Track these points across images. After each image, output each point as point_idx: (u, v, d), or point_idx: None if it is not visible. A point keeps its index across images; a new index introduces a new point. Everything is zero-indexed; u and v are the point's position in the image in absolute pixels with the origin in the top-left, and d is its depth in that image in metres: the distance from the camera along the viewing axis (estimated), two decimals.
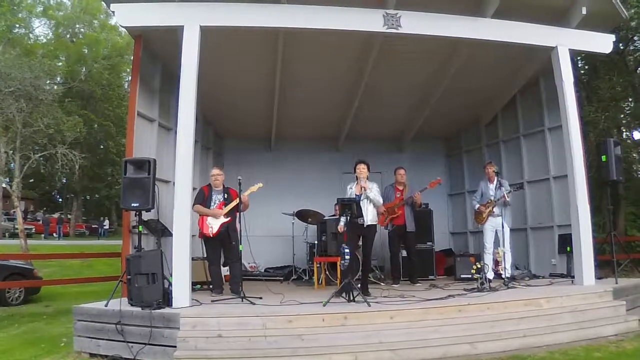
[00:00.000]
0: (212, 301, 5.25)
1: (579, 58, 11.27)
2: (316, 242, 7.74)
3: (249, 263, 8.49)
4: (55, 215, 28.91)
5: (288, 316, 4.43)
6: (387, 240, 7.49)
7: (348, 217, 5.39)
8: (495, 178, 6.73)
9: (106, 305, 4.78)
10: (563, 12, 6.41)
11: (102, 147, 29.00)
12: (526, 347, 4.38)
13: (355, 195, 5.81)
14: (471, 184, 9.50)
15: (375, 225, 5.89)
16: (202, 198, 6.07)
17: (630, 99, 12.79)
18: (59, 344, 5.15)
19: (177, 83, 5.37)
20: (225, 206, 5.99)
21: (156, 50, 6.53)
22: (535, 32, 6.12)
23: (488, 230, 6.86)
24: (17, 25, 24.43)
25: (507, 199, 6.53)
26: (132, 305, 4.72)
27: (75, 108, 23.55)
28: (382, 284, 7.11)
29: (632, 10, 10.13)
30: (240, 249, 5.55)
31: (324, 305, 4.74)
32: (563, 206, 7.06)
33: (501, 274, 6.33)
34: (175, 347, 4.17)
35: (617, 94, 11.79)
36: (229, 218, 5.96)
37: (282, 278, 8.18)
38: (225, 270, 6.25)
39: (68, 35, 29.06)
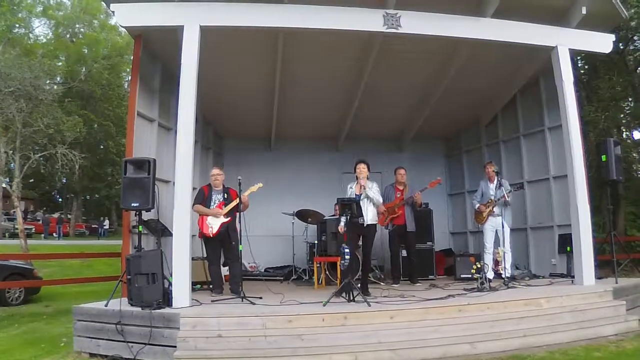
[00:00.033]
0: (212, 301, 5.25)
1: (578, 58, 11.27)
2: (316, 242, 7.74)
3: (249, 263, 8.49)
4: (55, 215, 28.91)
5: (288, 316, 4.43)
6: (388, 240, 7.50)
7: (348, 217, 5.40)
8: (496, 178, 6.73)
9: (106, 305, 4.78)
10: (563, 11, 6.41)
11: (102, 147, 29.01)
12: (526, 347, 4.37)
13: (356, 194, 5.81)
14: (471, 184, 9.50)
15: (375, 224, 5.89)
16: (202, 198, 6.07)
17: (630, 99, 12.79)
18: (59, 344, 5.15)
19: (177, 83, 5.37)
20: (225, 206, 5.99)
21: (156, 50, 6.53)
22: (535, 32, 6.12)
23: (488, 230, 6.87)
24: (17, 25, 24.42)
25: (508, 199, 6.54)
26: (132, 305, 4.72)
27: (75, 108, 23.54)
28: (382, 283, 7.11)
29: (632, 10, 10.13)
30: (240, 248, 5.54)
31: (324, 305, 4.74)
32: (563, 206, 7.06)
33: (501, 274, 6.33)
34: (175, 347, 4.17)
35: (617, 94, 11.79)
36: (229, 218, 5.96)
37: (282, 278, 8.18)
38: (225, 270, 6.26)
39: (68, 35, 29.06)
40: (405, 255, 7.39)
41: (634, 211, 12.05)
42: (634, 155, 13.77)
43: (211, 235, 5.92)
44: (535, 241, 8.09)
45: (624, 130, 14.08)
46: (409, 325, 4.47)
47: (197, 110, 5.44)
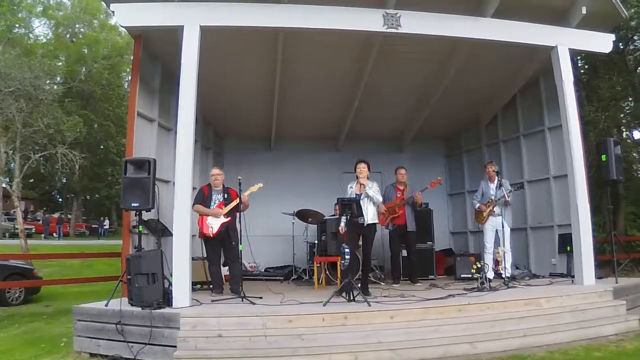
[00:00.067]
0: (212, 301, 5.25)
1: (578, 58, 11.26)
2: (316, 241, 7.74)
3: (249, 263, 8.50)
4: (55, 215, 28.91)
5: (288, 316, 4.43)
6: (388, 240, 7.50)
7: (348, 217, 5.39)
8: (496, 177, 6.73)
9: (106, 305, 4.78)
10: (563, 11, 6.41)
11: (102, 147, 29.00)
12: (526, 347, 4.37)
13: (356, 194, 5.81)
14: (471, 183, 9.51)
15: (375, 224, 5.89)
16: (202, 198, 6.07)
17: (630, 99, 12.78)
18: (59, 344, 5.15)
19: (177, 83, 5.37)
20: (225, 206, 5.98)
21: (156, 50, 6.53)
22: (535, 32, 6.12)
23: (488, 229, 6.87)
24: (17, 25, 24.42)
25: (508, 199, 6.54)
26: (132, 305, 4.72)
27: (75, 108, 23.55)
28: (382, 283, 7.12)
29: (632, 10, 10.12)
30: (241, 248, 5.55)
31: (324, 305, 4.74)
32: (563, 206, 7.06)
33: (501, 274, 6.33)
34: (175, 347, 4.17)
35: (617, 94, 11.78)
36: (229, 218, 5.95)
37: (282, 278, 8.18)
38: (225, 270, 6.26)
39: (68, 35, 29.05)
40: (406, 255, 7.39)
41: (634, 211, 12.04)
42: (634, 155, 13.76)
43: (211, 235, 5.92)
44: (535, 241, 8.09)
45: (624, 130, 14.07)
46: (409, 325, 4.47)
47: (197, 110, 5.44)
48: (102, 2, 6.81)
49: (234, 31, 5.79)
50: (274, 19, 5.64)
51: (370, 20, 5.71)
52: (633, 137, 14.34)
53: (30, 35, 26.87)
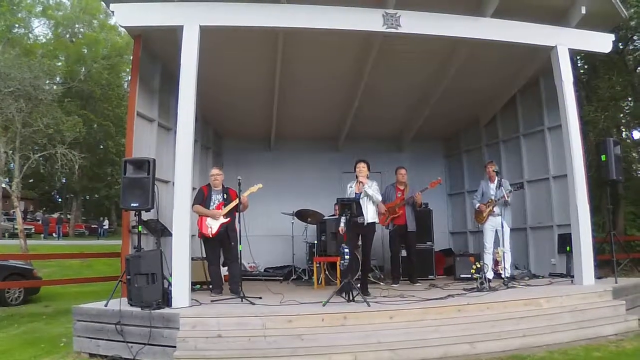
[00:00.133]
0: (212, 301, 5.25)
1: (578, 57, 11.26)
2: (316, 241, 7.74)
3: (248, 263, 8.49)
4: (55, 215, 28.89)
5: (288, 316, 4.43)
6: (388, 240, 7.50)
7: (348, 217, 5.39)
8: (496, 177, 6.73)
9: (106, 306, 4.78)
10: (563, 11, 6.41)
11: (101, 147, 29.01)
12: (526, 347, 4.38)
13: (355, 193, 5.82)
14: (471, 183, 9.50)
15: (375, 223, 5.89)
16: (202, 198, 6.06)
17: (629, 99, 12.78)
18: (58, 344, 5.15)
19: (177, 83, 5.37)
20: (224, 206, 5.98)
21: (156, 50, 6.53)
22: (535, 32, 6.12)
23: (488, 229, 6.87)
24: (17, 25, 24.43)
25: (508, 199, 6.54)
26: (131, 305, 4.71)
27: (75, 108, 23.55)
28: (381, 283, 7.12)
29: (632, 10, 10.11)
30: (240, 249, 5.54)
31: (324, 305, 4.74)
32: (563, 206, 7.06)
33: (501, 274, 6.33)
34: (174, 347, 4.17)
35: (616, 94, 11.78)
36: (228, 218, 5.95)
37: (281, 278, 8.18)
38: (224, 270, 6.25)
39: (67, 35, 29.06)
40: (405, 255, 7.39)
41: (633, 211, 12.05)
42: (634, 155, 13.76)
43: (210, 236, 5.92)
44: (535, 241, 8.09)
45: (623, 130, 14.07)
46: (408, 325, 4.47)
47: (196, 110, 5.44)
48: (102, 2, 6.81)
49: (233, 31, 5.78)
50: (273, 19, 5.64)
51: (370, 20, 5.71)
52: (633, 137, 14.35)
53: (30, 35, 26.91)
